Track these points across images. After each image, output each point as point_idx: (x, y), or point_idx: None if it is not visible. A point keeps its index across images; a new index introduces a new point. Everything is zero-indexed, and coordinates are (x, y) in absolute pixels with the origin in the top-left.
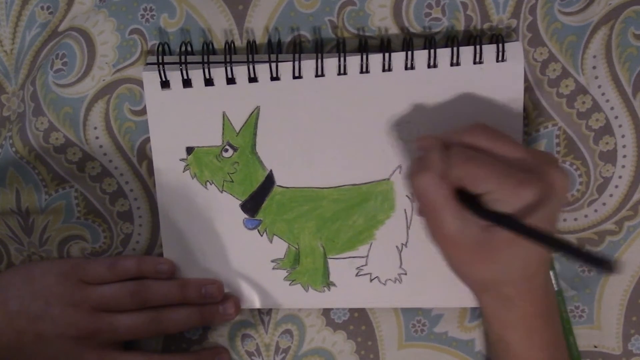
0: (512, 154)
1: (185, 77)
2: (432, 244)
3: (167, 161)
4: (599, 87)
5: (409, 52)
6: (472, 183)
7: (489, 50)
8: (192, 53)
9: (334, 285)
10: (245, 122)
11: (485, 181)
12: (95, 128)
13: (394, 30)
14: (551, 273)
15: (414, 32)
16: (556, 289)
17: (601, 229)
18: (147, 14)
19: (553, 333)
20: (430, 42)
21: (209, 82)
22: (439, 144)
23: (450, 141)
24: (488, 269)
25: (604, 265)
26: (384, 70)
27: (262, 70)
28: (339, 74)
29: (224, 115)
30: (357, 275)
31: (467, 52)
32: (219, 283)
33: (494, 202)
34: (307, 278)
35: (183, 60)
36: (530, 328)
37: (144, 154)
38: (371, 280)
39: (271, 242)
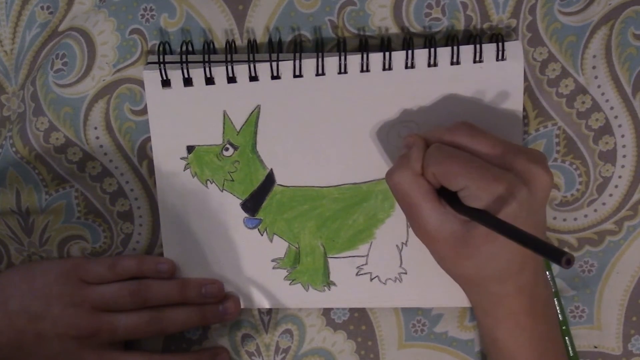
0: (491, 150)
1: (186, 76)
2: None
3: (167, 160)
4: (599, 87)
5: (409, 51)
6: (446, 179)
7: (489, 49)
8: (193, 52)
9: (334, 284)
10: (246, 121)
11: (458, 177)
12: (96, 128)
13: (394, 30)
14: (547, 274)
15: (414, 31)
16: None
17: (601, 229)
18: (147, 14)
19: (544, 331)
20: (430, 41)
21: (209, 80)
22: (419, 142)
23: (431, 139)
24: (470, 264)
25: (564, 259)
26: (384, 69)
27: (263, 69)
28: (340, 72)
29: (224, 114)
30: (357, 274)
31: (467, 51)
32: (219, 283)
33: (468, 197)
34: (308, 277)
35: (184, 59)
36: (518, 325)
37: (145, 154)
38: (371, 279)
39: (271, 241)
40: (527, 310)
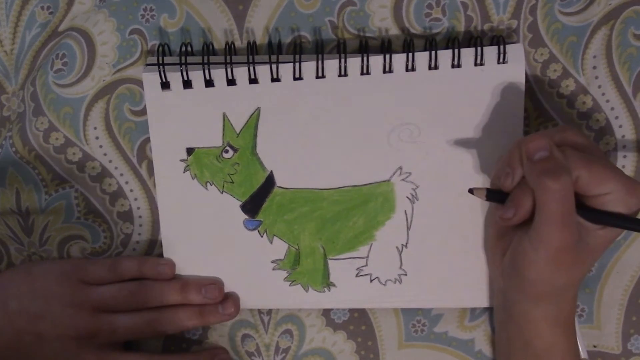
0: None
1: (185, 78)
2: (439, 245)
3: (167, 162)
4: (599, 87)
5: (410, 54)
6: (593, 183)
7: (490, 52)
8: (193, 54)
9: (334, 285)
10: (246, 123)
11: (608, 181)
12: (95, 128)
13: (394, 30)
14: None
15: (415, 32)
16: None
17: None
18: (147, 14)
19: (574, 341)
20: (430, 43)
21: (209, 83)
22: (554, 146)
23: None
24: (577, 270)
25: None
26: (384, 71)
27: (263, 71)
28: (340, 75)
29: (224, 116)
30: (357, 275)
31: (468, 54)
32: (219, 283)
33: (611, 202)
34: (307, 278)
35: (183, 61)
36: (567, 333)
37: (144, 154)
38: (371, 280)
39: (271, 242)
40: (572, 316)
